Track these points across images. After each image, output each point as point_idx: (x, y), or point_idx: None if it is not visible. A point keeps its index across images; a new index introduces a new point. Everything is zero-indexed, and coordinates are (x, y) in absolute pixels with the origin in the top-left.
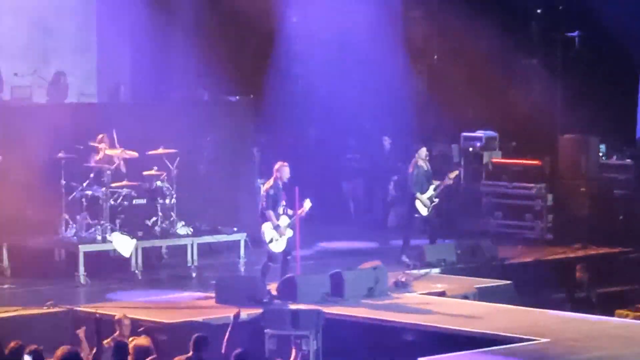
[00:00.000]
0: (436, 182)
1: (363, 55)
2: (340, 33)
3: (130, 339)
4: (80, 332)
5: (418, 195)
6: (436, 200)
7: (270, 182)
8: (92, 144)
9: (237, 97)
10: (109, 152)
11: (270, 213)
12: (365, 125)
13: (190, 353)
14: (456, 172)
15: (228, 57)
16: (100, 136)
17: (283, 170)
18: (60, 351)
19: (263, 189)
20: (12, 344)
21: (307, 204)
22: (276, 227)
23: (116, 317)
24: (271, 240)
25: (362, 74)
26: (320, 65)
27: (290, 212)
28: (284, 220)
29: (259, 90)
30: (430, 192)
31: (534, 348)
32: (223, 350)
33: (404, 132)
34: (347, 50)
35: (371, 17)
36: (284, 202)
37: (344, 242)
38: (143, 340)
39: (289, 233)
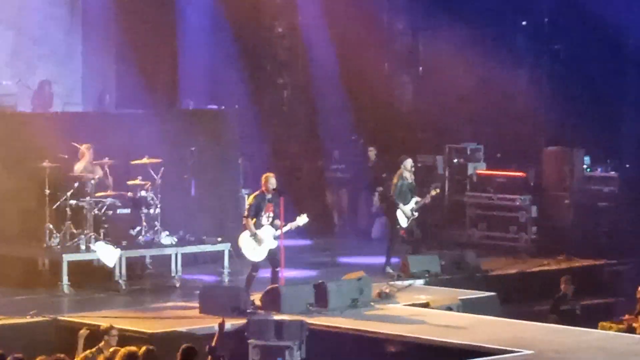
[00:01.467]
0: (417, 199)
1: (348, 65)
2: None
3: (112, 349)
4: (83, 333)
5: (400, 206)
6: (415, 214)
7: (257, 192)
8: (75, 144)
9: (222, 107)
10: (93, 162)
11: (248, 221)
12: (350, 136)
13: None
14: (437, 191)
15: (212, 66)
16: (85, 145)
17: (269, 180)
18: None
19: (248, 198)
20: None
21: (303, 219)
22: (253, 235)
23: (103, 327)
24: (247, 249)
25: (348, 84)
26: (305, 76)
27: (278, 222)
28: (266, 230)
29: (245, 100)
30: (412, 204)
31: None
32: None
33: (389, 143)
34: (332, 61)
35: (357, 28)
36: (270, 213)
37: (327, 253)
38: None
39: (272, 244)
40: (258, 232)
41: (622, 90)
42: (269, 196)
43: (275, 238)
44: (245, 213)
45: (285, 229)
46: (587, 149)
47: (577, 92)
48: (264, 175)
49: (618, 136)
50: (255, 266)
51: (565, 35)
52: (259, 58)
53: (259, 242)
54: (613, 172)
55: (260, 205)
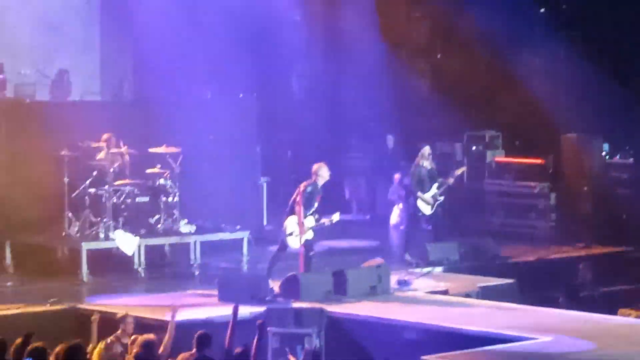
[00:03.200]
0: (440, 180)
1: (365, 54)
2: (338, 32)
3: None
4: (95, 318)
5: (419, 194)
6: (441, 198)
7: (311, 181)
8: (94, 145)
9: (241, 95)
10: (113, 150)
11: (301, 208)
12: (369, 123)
13: (194, 350)
14: (463, 169)
15: (231, 54)
16: (105, 135)
17: (322, 170)
18: (61, 348)
19: (302, 185)
20: (18, 341)
21: (336, 216)
22: (301, 224)
23: (119, 315)
24: (291, 234)
25: (365, 73)
26: (322, 64)
27: (317, 217)
28: (309, 221)
29: (263, 88)
30: (434, 190)
31: (537, 347)
32: (226, 346)
33: (408, 131)
34: (349, 50)
35: (374, 15)
36: (316, 205)
37: (347, 241)
38: (150, 336)
39: (309, 235)
40: (305, 221)
41: None
42: (320, 187)
43: (313, 229)
44: (298, 199)
45: (320, 223)
46: (606, 136)
47: (595, 79)
48: (318, 165)
49: (637, 123)
50: (284, 248)
51: (583, 21)
52: (273, 46)
53: (301, 231)
54: (632, 159)
55: (312, 196)
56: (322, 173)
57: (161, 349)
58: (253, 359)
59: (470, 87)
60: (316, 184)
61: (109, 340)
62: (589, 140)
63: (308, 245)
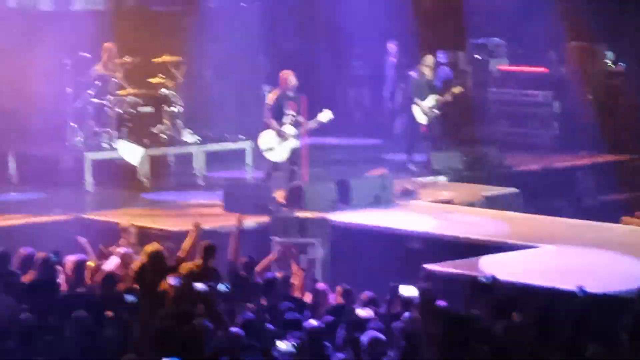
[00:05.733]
0: (437, 98)
1: None
2: None
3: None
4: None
5: (417, 101)
6: (435, 111)
7: (276, 91)
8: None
9: (244, 4)
10: (115, 60)
11: (272, 121)
12: (371, 31)
13: (199, 260)
14: (460, 89)
15: None
16: (107, 45)
17: (288, 78)
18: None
19: (267, 98)
20: (23, 251)
21: (325, 115)
22: (279, 133)
23: (121, 225)
24: (268, 149)
25: None
26: None
27: (301, 119)
28: (288, 129)
29: None
30: (431, 102)
31: (539, 254)
32: (231, 258)
33: (411, 39)
34: None
35: None
36: (292, 112)
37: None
38: (156, 246)
39: (294, 143)
40: (281, 131)
41: None
42: (291, 94)
43: (297, 137)
44: (266, 113)
45: (307, 126)
46: (611, 44)
47: None
48: (283, 73)
49: None
50: (277, 166)
51: None
52: None
53: (282, 141)
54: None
55: (280, 105)
56: (288, 82)
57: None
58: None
59: None
60: (284, 92)
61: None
62: (592, 48)
63: (294, 154)
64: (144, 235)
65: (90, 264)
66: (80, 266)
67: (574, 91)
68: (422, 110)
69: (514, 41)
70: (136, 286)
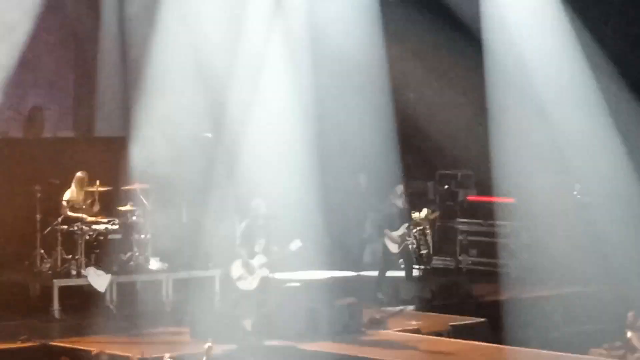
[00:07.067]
0: (409, 227)
1: (338, 91)
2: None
3: None
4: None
5: (387, 232)
6: (409, 239)
7: (247, 220)
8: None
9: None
10: (85, 188)
11: (241, 250)
12: (341, 162)
13: None
14: (436, 214)
15: None
16: (79, 173)
17: (257, 206)
18: None
19: (239, 227)
20: None
21: (296, 244)
22: (245, 265)
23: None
24: (239, 278)
25: (338, 111)
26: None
27: (275, 248)
28: (259, 259)
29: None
30: (402, 230)
31: None
32: None
33: (380, 169)
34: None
35: (352, 49)
36: (262, 241)
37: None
38: None
39: (264, 272)
40: (251, 261)
41: None
42: (261, 222)
43: (268, 266)
44: (238, 241)
45: (278, 255)
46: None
47: None
48: (254, 201)
49: None
50: (246, 294)
51: None
52: None
53: (251, 271)
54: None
55: (250, 234)
56: (257, 209)
57: None
58: None
59: (444, 126)
60: (252, 221)
61: None
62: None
63: (264, 282)
64: None
65: None
66: None
67: (543, 222)
68: (393, 239)
69: (482, 171)
70: None
